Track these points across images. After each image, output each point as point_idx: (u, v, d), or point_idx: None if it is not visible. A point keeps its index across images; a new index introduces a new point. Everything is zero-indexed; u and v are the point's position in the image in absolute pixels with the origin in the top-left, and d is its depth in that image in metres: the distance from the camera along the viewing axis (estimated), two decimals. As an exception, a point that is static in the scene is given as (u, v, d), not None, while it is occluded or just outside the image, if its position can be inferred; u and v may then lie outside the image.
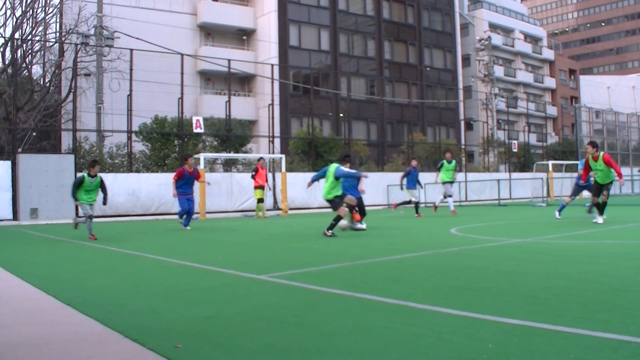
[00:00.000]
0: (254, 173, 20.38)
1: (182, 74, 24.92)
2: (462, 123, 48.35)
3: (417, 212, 18.05)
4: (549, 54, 67.01)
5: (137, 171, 24.08)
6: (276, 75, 30.96)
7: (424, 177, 31.53)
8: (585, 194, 16.80)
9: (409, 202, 18.16)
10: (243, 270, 6.77)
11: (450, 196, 18.30)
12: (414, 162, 18.32)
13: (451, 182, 18.23)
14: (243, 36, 41.80)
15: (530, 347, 3.29)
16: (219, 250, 9.28)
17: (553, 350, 3.20)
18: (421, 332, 3.69)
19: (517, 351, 3.21)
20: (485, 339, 3.46)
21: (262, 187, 20.26)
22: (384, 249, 8.85)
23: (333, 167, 11.54)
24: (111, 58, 26.95)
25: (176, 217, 16.18)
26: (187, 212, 14.52)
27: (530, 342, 3.39)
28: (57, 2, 31.03)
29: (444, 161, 18.29)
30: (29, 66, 29.40)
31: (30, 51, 28.84)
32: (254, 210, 20.78)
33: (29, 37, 28.88)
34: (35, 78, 30.35)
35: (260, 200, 20.51)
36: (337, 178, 11.41)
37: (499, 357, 3.10)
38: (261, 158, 21.52)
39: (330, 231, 11.05)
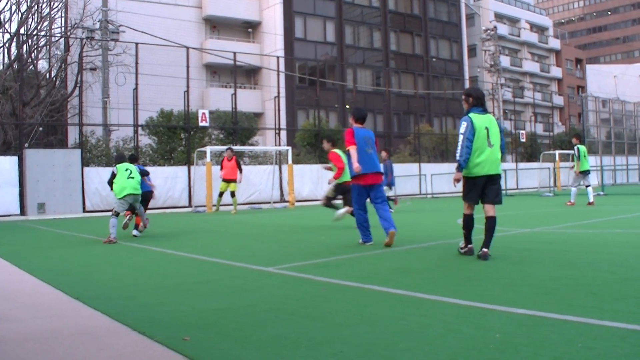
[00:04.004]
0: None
1: (187, 67, 24.89)
2: (469, 114, 48.15)
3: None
4: (555, 43, 66.60)
5: (144, 165, 24.10)
6: (282, 68, 30.94)
7: (430, 168, 31.63)
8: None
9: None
10: (251, 263, 6.78)
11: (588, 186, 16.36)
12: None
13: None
14: (248, 29, 41.74)
15: (539, 336, 3.28)
16: (226, 243, 9.29)
17: (561, 340, 3.19)
18: (430, 323, 3.68)
19: (525, 341, 3.20)
20: (494, 329, 3.46)
21: (226, 180, 18.78)
22: (391, 240, 8.80)
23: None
24: (117, 52, 26.97)
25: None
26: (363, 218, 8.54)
27: (538, 331, 3.39)
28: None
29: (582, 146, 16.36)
30: (35, 61, 29.46)
31: (35, 46, 28.88)
32: (261, 203, 20.56)
33: (35, 32, 28.93)
34: (41, 73, 30.41)
35: (220, 194, 19.32)
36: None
37: (507, 347, 3.10)
38: (229, 148, 19.47)
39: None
